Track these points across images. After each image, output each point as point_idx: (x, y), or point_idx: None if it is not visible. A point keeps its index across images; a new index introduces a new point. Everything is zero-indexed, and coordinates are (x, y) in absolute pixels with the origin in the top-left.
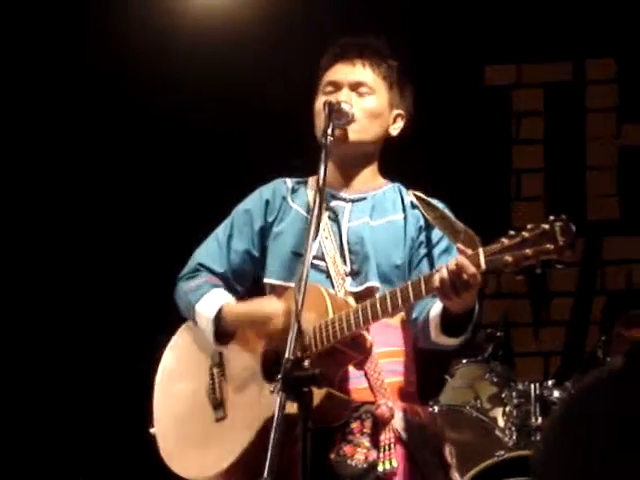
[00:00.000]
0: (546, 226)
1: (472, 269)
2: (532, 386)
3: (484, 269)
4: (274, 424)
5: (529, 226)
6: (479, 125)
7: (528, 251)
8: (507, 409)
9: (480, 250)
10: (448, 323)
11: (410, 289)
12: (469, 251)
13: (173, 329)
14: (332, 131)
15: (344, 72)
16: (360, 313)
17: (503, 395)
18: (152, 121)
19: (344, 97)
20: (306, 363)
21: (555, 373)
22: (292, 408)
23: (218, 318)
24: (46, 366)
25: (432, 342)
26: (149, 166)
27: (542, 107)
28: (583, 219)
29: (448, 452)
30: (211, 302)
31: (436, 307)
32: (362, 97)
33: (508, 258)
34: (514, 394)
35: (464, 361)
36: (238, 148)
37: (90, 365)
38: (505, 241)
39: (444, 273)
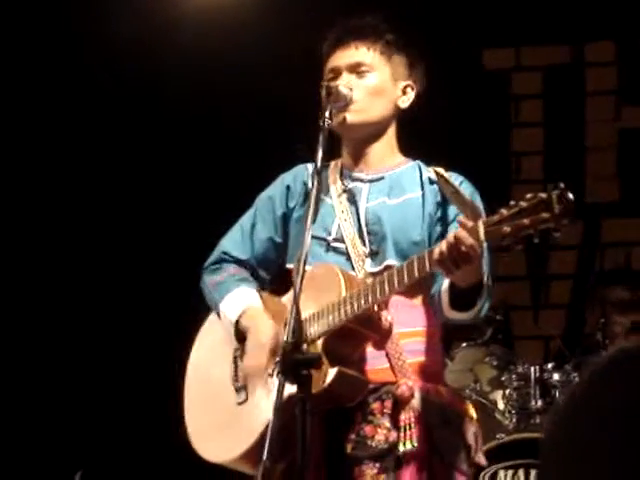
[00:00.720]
0: (543, 195)
1: (470, 240)
2: (532, 369)
3: (483, 240)
4: (273, 407)
5: (528, 196)
6: (478, 108)
7: (526, 220)
8: (507, 392)
9: (480, 222)
10: (456, 298)
11: (415, 263)
12: (470, 223)
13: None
14: (330, 114)
15: (341, 57)
16: (370, 290)
17: (503, 378)
18: (162, 115)
19: (344, 80)
20: (305, 346)
21: (555, 355)
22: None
23: (239, 322)
24: (57, 358)
25: (446, 317)
26: (167, 161)
27: (541, 90)
28: (582, 201)
29: (472, 433)
30: (234, 304)
31: (446, 282)
32: (362, 76)
33: (506, 228)
34: (514, 377)
35: (464, 344)
36: (253, 140)
37: (104, 359)
38: (504, 212)
39: (443, 246)
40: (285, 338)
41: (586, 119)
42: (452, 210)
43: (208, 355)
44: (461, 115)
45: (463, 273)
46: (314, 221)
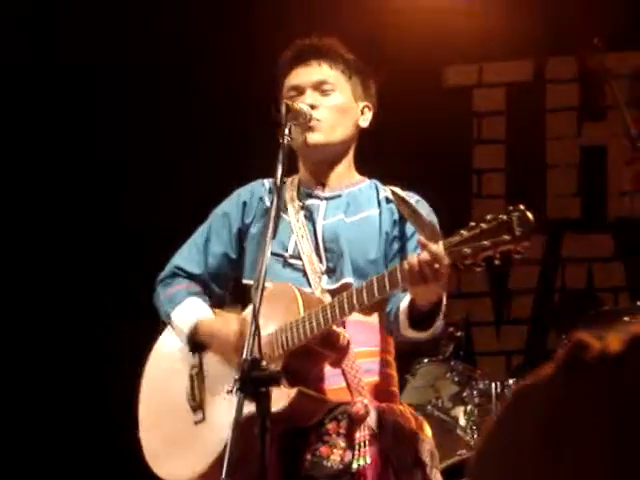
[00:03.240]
0: (504, 217)
1: (446, 260)
2: (493, 385)
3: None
4: (232, 424)
5: (488, 217)
6: (440, 125)
7: (486, 242)
8: (468, 408)
9: (440, 243)
10: (415, 317)
11: (375, 284)
12: (430, 244)
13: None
14: (289, 131)
15: (303, 74)
16: (329, 310)
17: (464, 394)
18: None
19: (309, 98)
20: (264, 363)
21: (514, 371)
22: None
23: (193, 335)
24: (22, 366)
25: (402, 335)
26: (122, 169)
27: (503, 107)
28: (544, 217)
29: (427, 451)
30: (186, 316)
31: (405, 301)
32: (326, 95)
33: (467, 250)
34: (475, 393)
35: (425, 360)
36: (217, 148)
37: (69, 367)
38: (464, 233)
39: (414, 261)
40: (244, 355)
41: (547, 136)
42: (409, 228)
43: (162, 372)
44: (423, 131)
45: (427, 291)
46: (273, 237)
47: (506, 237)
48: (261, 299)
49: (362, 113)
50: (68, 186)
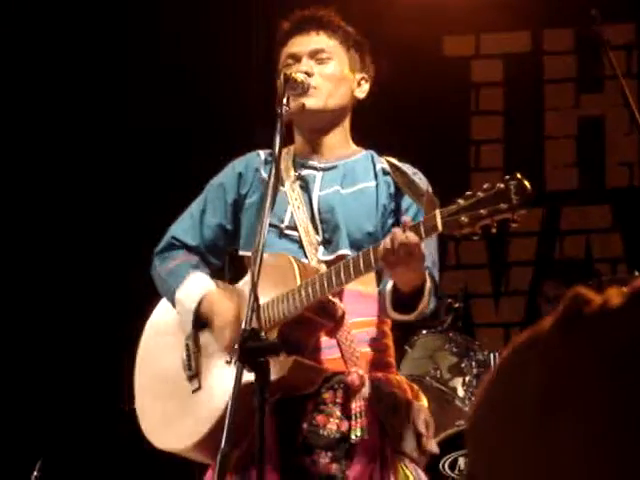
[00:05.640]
0: (501, 185)
1: (415, 238)
2: (491, 356)
3: (441, 230)
4: (231, 394)
5: (485, 186)
6: (438, 96)
7: (483, 211)
8: (467, 379)
9: (437, 211)
10: (398, 300)
11: (372, 254)
12: (408, 218)
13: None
14: (287, 101)
15: (301, 43)
16: (325, 278)
17: (463, 365)
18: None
19: (305, 66)
20: (263, 334)
21: None
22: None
23: (198, 310)
24: (10, 349)
25: (388, 316)
26: (116, 153)
27: (501, 78)
28: (542, 189)
29: (422, 421)
30: (191, 291)
31: (390, 284)
32: (322, 63)
33: (464, 219)
34: (474, 364)
35: (424, 332)
36: (209, 125)
37: (61, 342)
38: (461, 202)
39: (387, 242)
40: (243, 325)
41: (545, 107)
42: (405, 202)
43: (158, 343)
44: (421, 102)
45: (406, 273)
46: (272, 208)
47: (503, 206)
48: (259, 270)
49: (359, 85)
50: (68, 186)
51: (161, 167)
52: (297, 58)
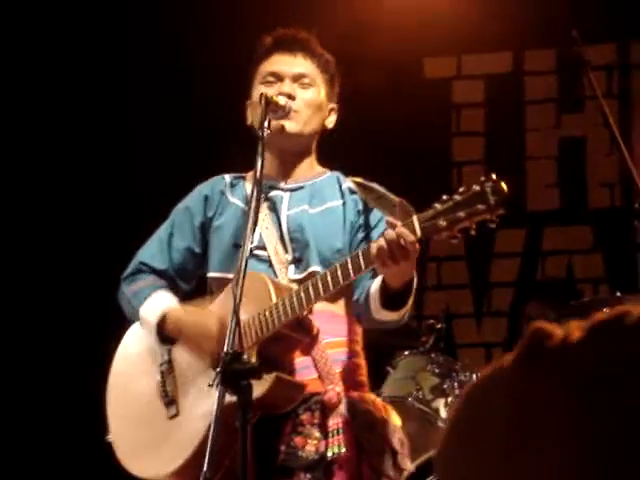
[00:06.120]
0: (477, 187)
1: (411, 237)
2: (473, 377)
3: (419, 236)
4: (213, 418)
5: (461, 189)
6: (419, 117)
7: (461, 213)
8: (449, 400)
9: (414, 217)
10: (388, 297)
11: (349, 264)
12: (399, 223)
13: (122, 331)
14: (268, 124)
15: (285, 63)
16: (302, 293)
17: (445, 386)
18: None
19: (288, 88)
20: (245, 356)
21: None
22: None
23: (161, 325)
24: None
25: (373, 319)
26: (84, 167)
27: (482, 99)
28: (523, 209)
29: (397, 439)
30: (154, 307)
31: (376, 283)
32: (304, 88)
33: (442, 222)
34: (456, 385)
35: (406, 352)
36: (177, 147)
37: (37, 371)
38: (438, 206)
39: (382, 242)
40: (225, 349)
41: (526, 127)
42: (374, 216)
43: (130, 369)
44: (402, 124)
45: (398, 271)
46: (253, 230)
47: (481, 207)
48: (242, 292)
49: (329, 114)
50: (68, 187)
51: (161, 167)
52: (280, 77)
